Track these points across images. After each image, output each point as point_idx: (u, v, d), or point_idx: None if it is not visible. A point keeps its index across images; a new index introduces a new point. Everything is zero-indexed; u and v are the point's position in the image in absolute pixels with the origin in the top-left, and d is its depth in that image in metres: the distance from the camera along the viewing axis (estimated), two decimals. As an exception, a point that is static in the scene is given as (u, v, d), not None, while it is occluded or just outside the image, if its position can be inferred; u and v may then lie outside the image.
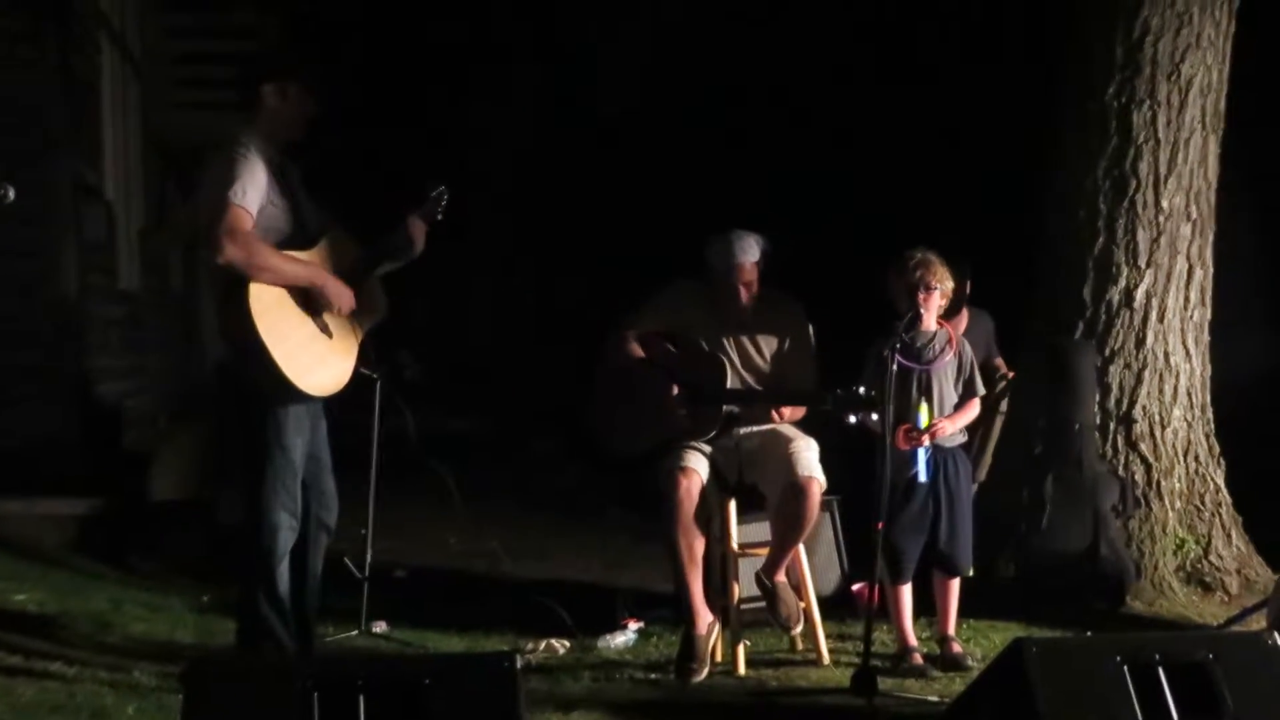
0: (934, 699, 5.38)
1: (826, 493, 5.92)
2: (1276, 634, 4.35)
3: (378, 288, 5.43)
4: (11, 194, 4.56)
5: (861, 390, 5.55)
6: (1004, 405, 7.48)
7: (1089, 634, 5.92)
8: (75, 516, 7.47)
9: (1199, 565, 7.15)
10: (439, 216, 5.54)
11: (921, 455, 5.82)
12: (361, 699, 3.57)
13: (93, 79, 9.82)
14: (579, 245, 14.50)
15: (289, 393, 5.06)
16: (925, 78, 12.65)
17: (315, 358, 5.12)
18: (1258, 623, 6.18)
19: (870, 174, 12.55)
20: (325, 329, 5.18)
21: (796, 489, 5.75)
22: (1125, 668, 3.94)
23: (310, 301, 5.15)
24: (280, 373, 4.98)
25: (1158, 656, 3.99)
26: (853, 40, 13.18)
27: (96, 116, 9.88)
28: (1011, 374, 7.52)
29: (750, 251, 5.92)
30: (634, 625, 6.39)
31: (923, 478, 5.82)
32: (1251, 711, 3.95)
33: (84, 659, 5.51)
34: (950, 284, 5.91)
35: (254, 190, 5.09)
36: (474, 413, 12.61)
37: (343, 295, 5.20)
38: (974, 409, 6.02)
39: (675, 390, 5.92)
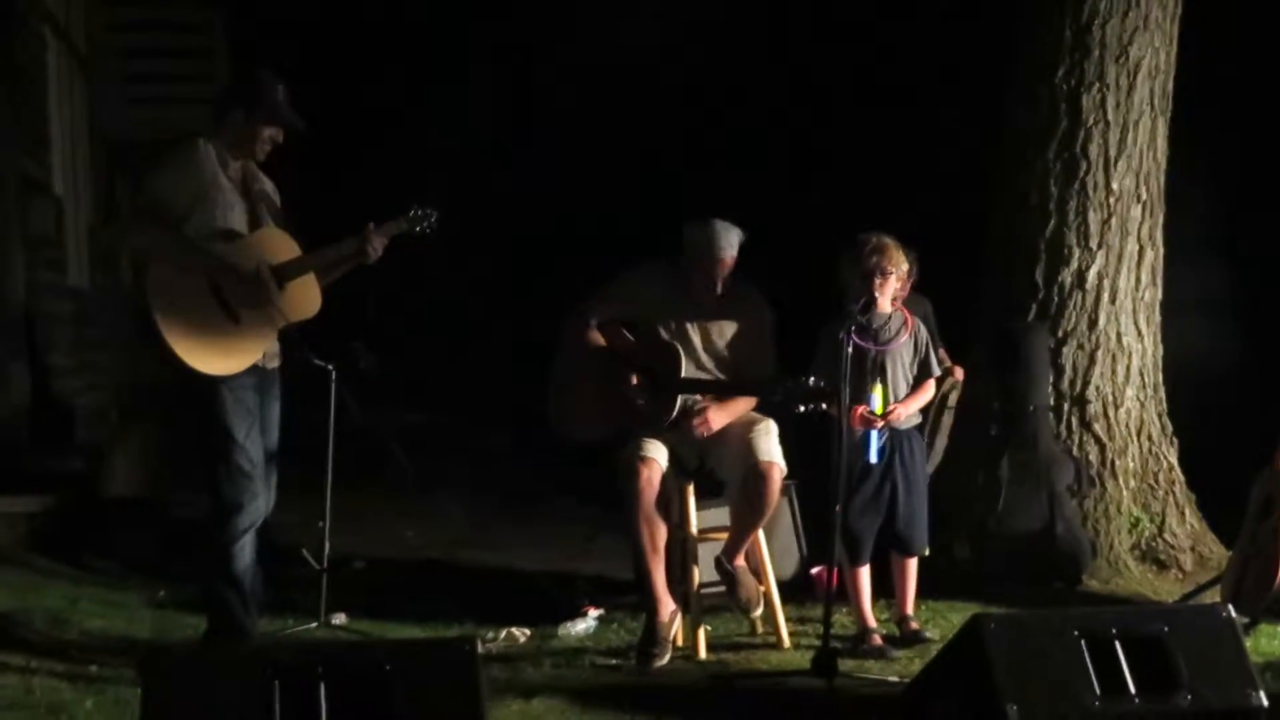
0: (894, 679, 5.40)
1: (785, 477, 5.93)
2: (1230, 608, 4.40)
3: (313, 287, 5.50)
4: None
5: (812, 381, 5.57)
6: (952, 399, 7.48)
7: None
8: (28, 514, 7.39)
9: (1154, 543, 7.21)
10: (418, 232, 5.63)
11: (873, 438, 5.85)
12: (322, 686, 3.55)
13: (37, 73, 9.73)
14: (533, 237, 14.48)
15: (203, 375, 5.19)
16: (875, 62, 12.68)
17: (212, 340, 5.24)
18: (1212, 598, 6.25)
19: (817, 158, 12.59)
20: (233, 316, 5.28)
21: (756, 474, 5.77)
22: (1082, 642, 3.97)
23: (218, 289, 5.26)
24: (172, 351, 5.14)
25: (1114, 630, 4.02)
26: (805, 32, 13.21)
27: (43, 111, 9.79)
28: (957, 370, 7.50)
29: (733, 246, 5.92)
30: (594, 613, 6.39)
31: (873, 459, 5.84)
32: (1206, 683, 3.99)
33: (41, 655, 5.48)
34: (905, 267, 5.94)
35: (184, 184, 5.26)
36: (428, 406, 12.57)
37: (246, 293, 5.28)
38: (929, 390, 6.05)
39: (633, 379, 5.92)
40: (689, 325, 5.97)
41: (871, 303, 5.86)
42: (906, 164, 11.73)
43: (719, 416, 5.86)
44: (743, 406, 5.94)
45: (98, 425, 9.83)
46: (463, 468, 10.27)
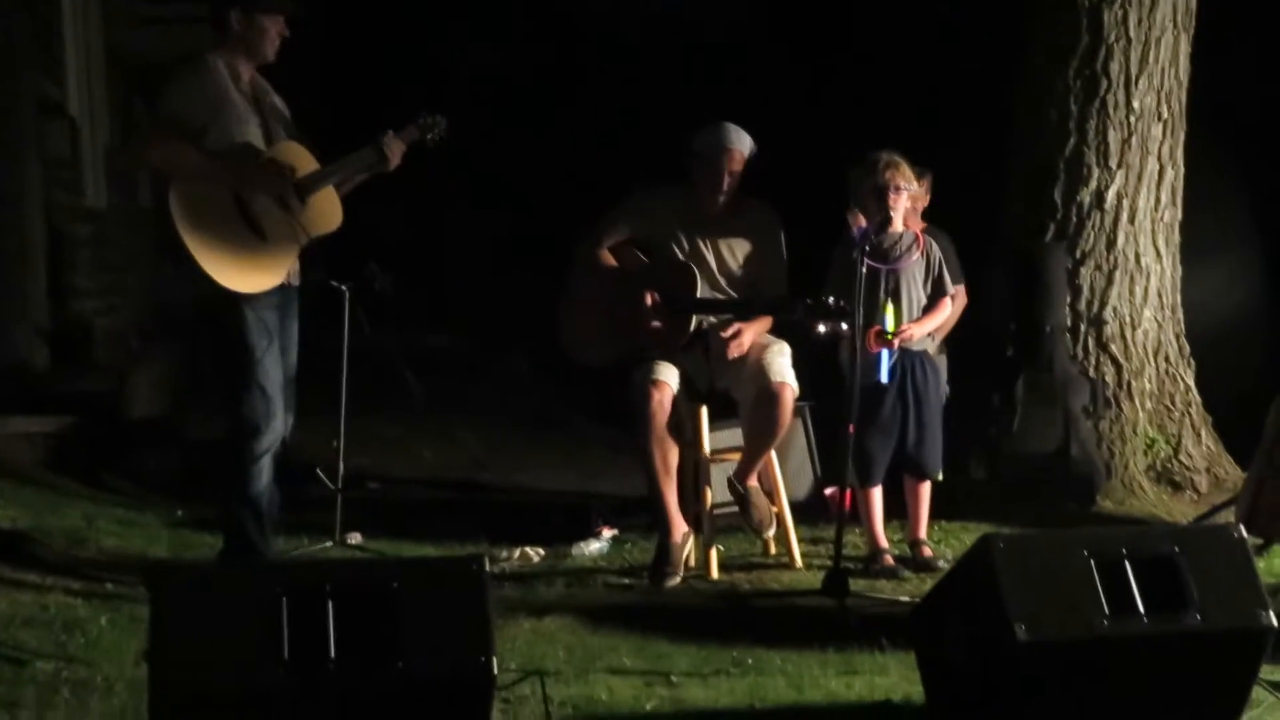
0: (905, 599, 5.41)
1: (798, 398, 5.93)
2: (1242, 528, 4.38)
3: (334, 201, 5.46)
4: None
5: (831, 300, 5.55)
6: None
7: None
8: (47, 434, 7.43)
9: (1169, 464, 7.21)
10: (429, 141, 5.58)
11: (884, 359, 5.83)
12: (330, 603, 3.56)
13: (53, -7, 9.68)
14: (552, 161, 14.41)
15: (228, 293, 5.16)
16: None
17: (240, 257, 5.21)
18: (1227, 520, 6.23)
19: (833, 79, 12.45)
20: (259, 231, 5.24)
21: (769, 395, 5.76)
22: (1092, 562, 3.95)
23: (243, 205, 5.23)
24: (201, 271, 5.11)
25: (1124, 551, 4.00)
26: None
27: (58, 31, 9.73)
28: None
29: (743, 141, 5.90)
30: (608, 533, 6.42)
31: (884, 380, 5.83)
32: (1216, 603, 3.97)
33: (57, 573, 5.51)
34: (916, 185, 5.90)
35: (198, 99, 5.22)
36: (445, 329, 12.58)
37: (272, 201, 5.26)
38: (944, 310, 6.02)
39: (647, 299, 5.90)
40: (702, 244, 5.94)
41: (886, 221, 5.82)
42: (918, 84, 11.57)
43: (749, 335, 5.84)
44: (764, 325, 5.92)
45: (117, 347, 9.84)
46: (481, 390, 10.29)
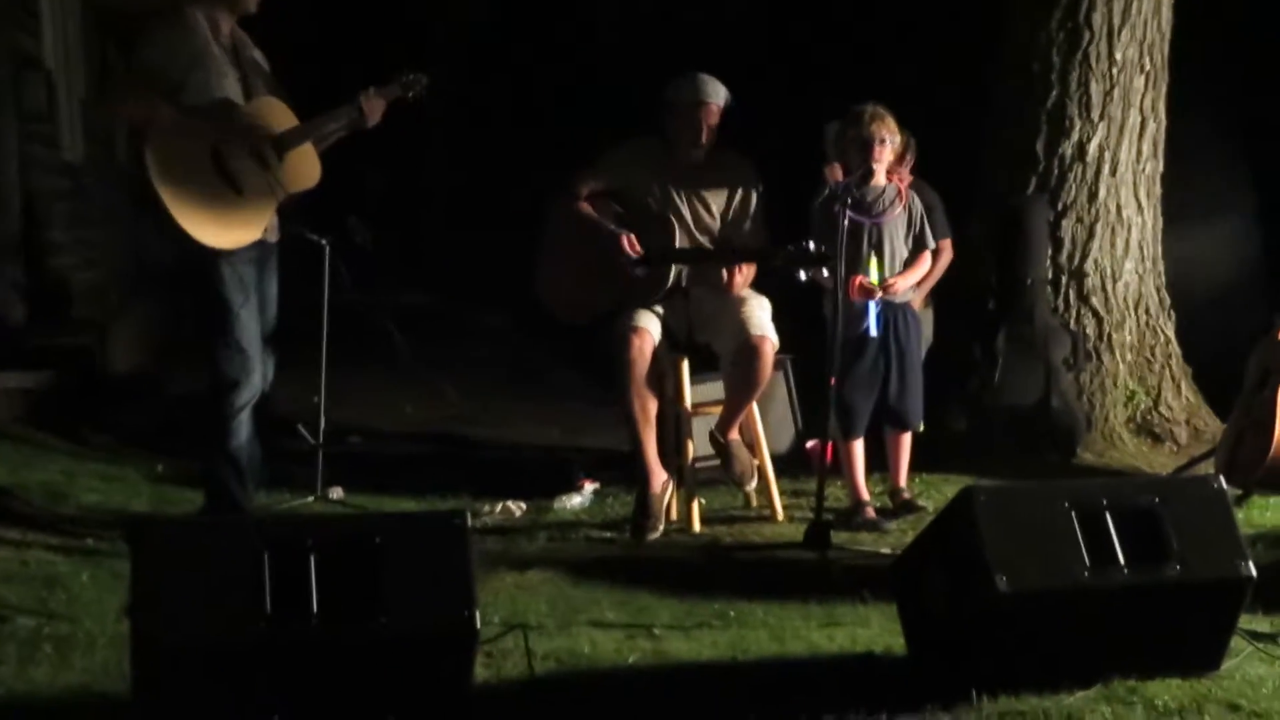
0: (886, 551, 5.43)
1: (780, 351, 5.92)
2: (1222, 479, 4.39)
3: (312, 157, 5.43)
4: None
5: (812, 246, 5.54)
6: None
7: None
8: (25, 390, 7.38)
9: (1149, 416, 7.23)
10: (410, 99, 5.56)
11: (872, 310, 5.83)
12: (312, 558, 3.55)
13: (26, -57, 9.56)
14: (535, 118, 14.34)
15: (205, 249, 5.15)
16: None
17: (216, 212, 5.19)
18: (1206, 471, 6.26)
19: (812, 32, 12.40)
20: (236, 187, 5.22)
21: (749, 348, 5.75)
22: (1073, 513, 3.96)
23: (220, 160, 5.20)
24: (177, 225, 5.09)
25: (1105, 502, 4.01)
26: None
27: (32, -17, 9.63)
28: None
29: (719, 93, 5.88)
30: (590, 486, 6.42)
31: (873, 332, 5.83)
32: (1196, 554, 3.99)
33: (37, 529, 5.49)
34: (900, 138, 5.88)
35: (176, 52, 5.18)
36: (429, 283, 12.54)
37: (248, 156, 5.23)
38: (925, 263, 6.02)
39: (625, 247, 5.88)
40: (679, 197, 5.92)
41: (869, 174, 5.81)
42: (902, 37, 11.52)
43: (742, 276, 5.82)
44: (751, 271, 5.91)
45: (95, 301, 9.79)
46: (464, 344, 10.28)
